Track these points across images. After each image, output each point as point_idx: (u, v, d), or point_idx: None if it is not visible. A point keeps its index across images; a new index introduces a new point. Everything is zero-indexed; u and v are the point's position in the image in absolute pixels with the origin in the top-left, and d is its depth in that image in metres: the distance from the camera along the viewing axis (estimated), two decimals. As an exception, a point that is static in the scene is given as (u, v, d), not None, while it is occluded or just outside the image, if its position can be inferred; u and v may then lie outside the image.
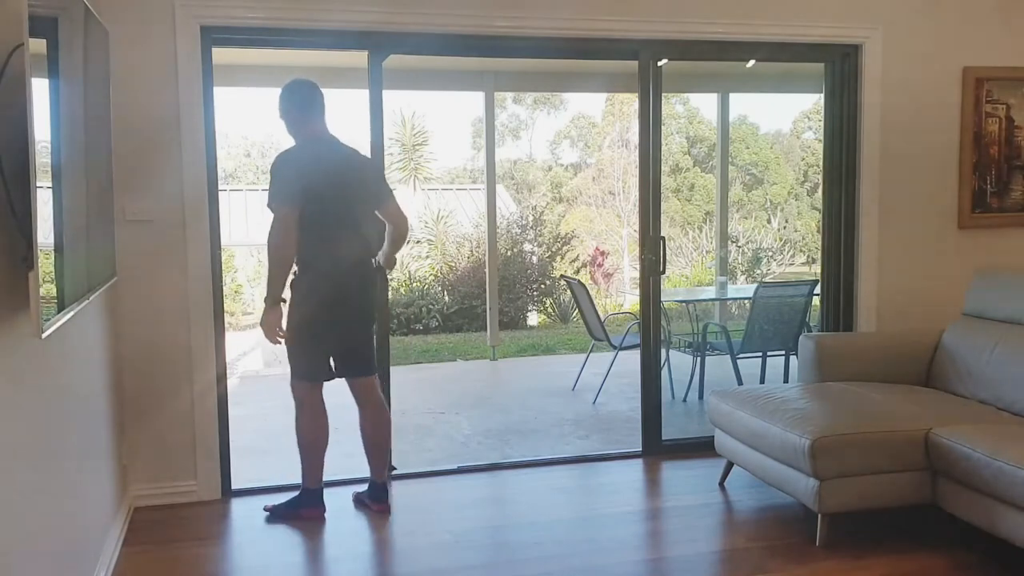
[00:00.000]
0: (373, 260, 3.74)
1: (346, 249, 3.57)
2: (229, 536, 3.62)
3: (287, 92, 3.64)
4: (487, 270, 8.13)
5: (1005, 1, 4.58)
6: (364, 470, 4.08)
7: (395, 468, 4.23)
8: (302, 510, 3.72)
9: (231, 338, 6.75)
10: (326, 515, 3.72)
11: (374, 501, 3.80)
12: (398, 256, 3.96)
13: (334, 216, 3.53)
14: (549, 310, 12.26)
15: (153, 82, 3.68)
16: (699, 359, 5.89)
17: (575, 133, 20.27)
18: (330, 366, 3.69)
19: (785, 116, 21.44)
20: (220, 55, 3.88)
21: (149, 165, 3.71)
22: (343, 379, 3.75)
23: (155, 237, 3.75)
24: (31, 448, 2.25)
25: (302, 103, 3.62)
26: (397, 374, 7.76)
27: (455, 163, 19.45)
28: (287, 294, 3.55)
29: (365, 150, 3.94)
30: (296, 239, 3.45)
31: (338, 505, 3.86)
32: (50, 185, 2.11)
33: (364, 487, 3.90)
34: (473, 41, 4.10)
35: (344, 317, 3.60)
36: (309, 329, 3.56)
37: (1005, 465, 2.90)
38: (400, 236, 3.81)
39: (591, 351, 6.44)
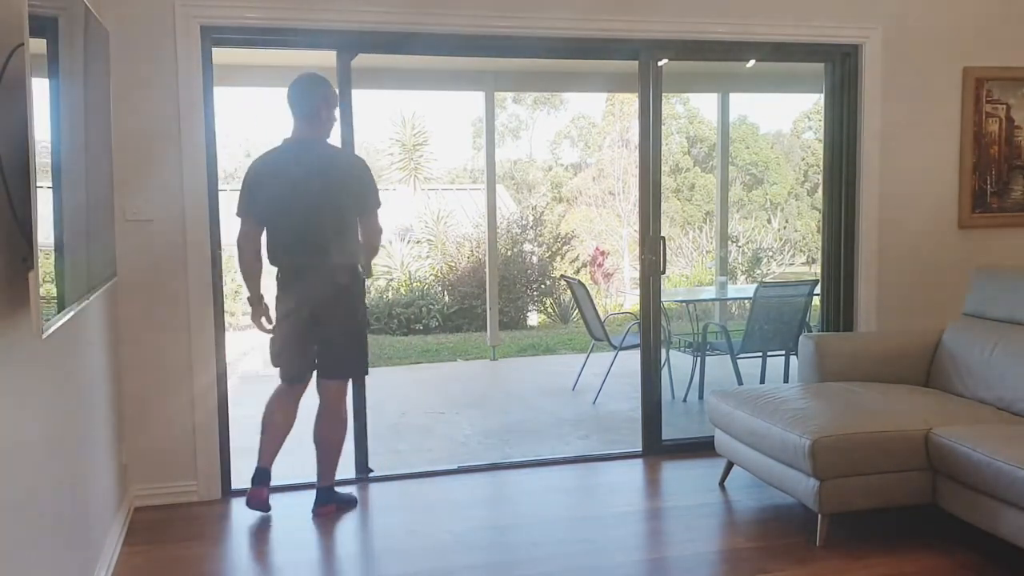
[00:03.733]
0: (357, 266, 3.65)
1: (313, 254, 3.54)
2: (229, 536, 3.62)
3: (289, 88, 3.62)
4: (487, 270, 8.13)
5: (1005, 1, 4.58)
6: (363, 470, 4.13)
7: (372, 470, 4.20)
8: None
9: (231, 338, 6.74)
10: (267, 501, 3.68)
11: (316, 503, 3.71)
12: (376, 262, 3.91)
13: (296, 222, 3.53)
14: (549, 310, 12.26)
15: (153, 82, 3.68)
16: (699, 359, 5.89)
17: (575, 133, 20.26)
18: (301, 372, 3.69)
19: (785, 116, 21.45)
20: (220, 55, 3.88)
21: (149, 165, 3.72)
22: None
23: (155, 237, 3.75)
24: (31, 448, 2.25)
25: (290, 100, 3.61)
26: (397, 374, 7.82)
27: (455, 163, 19.46)
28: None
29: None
30: (256, 248, 3.63)
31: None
32: (50, 185, 2.11)
33: (366, 487, 3.94)
34: (473, 41, 4.10)
35: (315, 320, 3.58)
36: (279, 329, 3.66)
37: (1005, 465, 2.90)
38: (370, 249, 3.69)
39: (591, 351, 6.44)
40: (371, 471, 4.18)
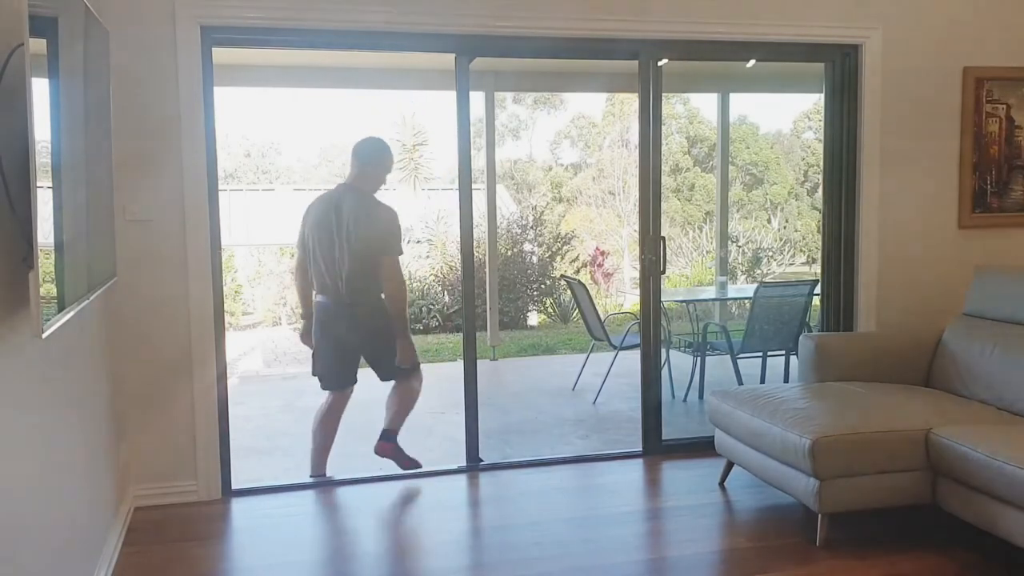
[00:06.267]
0: (382, 300, 4.10)
1: (341, 288, 4.01)
2: (229, 536, 3.62)
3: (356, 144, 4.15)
4: (487, 270, 8.12)
5: (1005, 1, 4.58)
6: (365, 469, 4.12)
7: (483, 460, 4.38)
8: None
9: (231, 338, 6.72)
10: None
11: (379, 439, 4.17)
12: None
13: (330, 258, 4.01)
14: (549, 310, 12.26)
15: (153, 82, 3.68)
16: (699, 359, 5.89)
17: (575, 133, 20.26)
18: (339, 382, 4.21)
19: (785, 116, 21.46)
20: (220, 55, 3.88)
21: (149, 165, 3.71)
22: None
23: (155, 237, 3.75)
24: (31, 448, 2.26)
25: (353, 153, 4.12)
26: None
27: (455, 163, 19.45)
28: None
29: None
30: (305, 274, 4.18)
31: (338, 505, 3.87)
32: (50, 185, 2.11)
33: (365, 486, 4.00)
34: (473, 41, 4.09)
35: (360, 345, 4.12)
36: (318, 348, 4.17)
37: (1005, 465, 2.90)
38: (389, 298, 4.06)
39: (591, 351, 6.44)
40: (482, 460, 4.38)
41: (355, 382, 4.22)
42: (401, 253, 4.05)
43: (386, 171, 4.14)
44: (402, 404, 4.22)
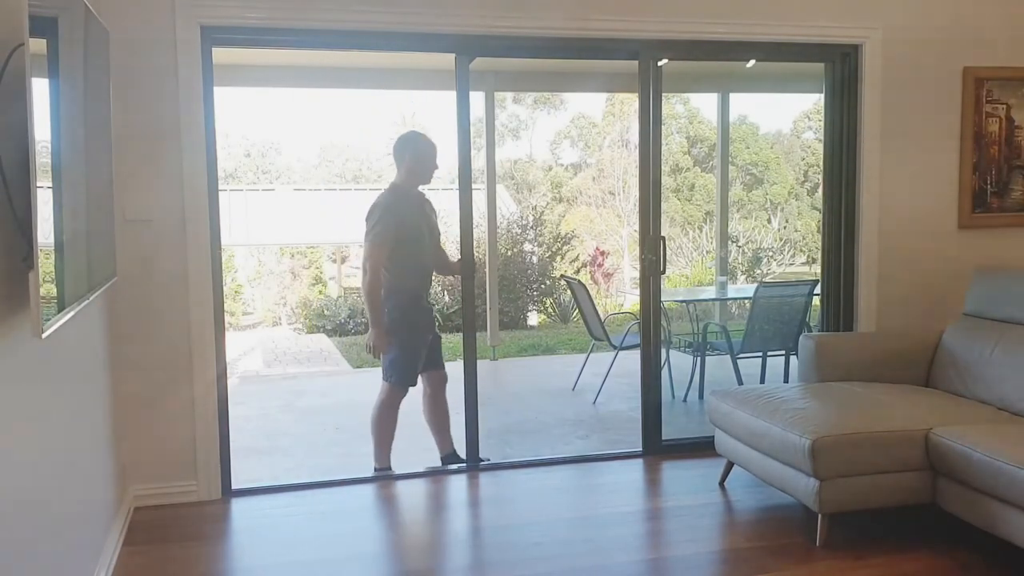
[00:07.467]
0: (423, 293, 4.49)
1: None
2: (229, 536, 3.62)
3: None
4: (487, 270, 8.12)
5: (1005, 1, 4.58)
6: (365, 469, 4.13)
7: (483, 460, 4.38)
8: None
9: (231, 338, 6.71)
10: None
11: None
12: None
13: None
14: (549, 310, 12.26)
15: (153, 82, 3.68)
16: (699, 359, 5.89)
17: (575, 133, 20.26)
18: None
19: (785, 116, 21.47)
20: (220, 55, 3.88)
21: (149, 165, 3.71)
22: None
23: (155, 237, 3.74)
24: (31, 448, 2.26)
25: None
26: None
27: (455, 163, 19.43)
28: None
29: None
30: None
31: (338, 505, 3.87)
32: (50, 185, 2.11)
33: (364, 486, 4.01)
34: (473, 41, 4.09)
35: None
36: None
37: (1005, 465, 2.90)
38: None
39: (591, 351, 6.44)
40: (482, 460, 4.38)
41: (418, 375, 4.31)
42: (370, 242, 4.10)
43: (421, 162, 4.22)
44: (436, 419, 4.39)
